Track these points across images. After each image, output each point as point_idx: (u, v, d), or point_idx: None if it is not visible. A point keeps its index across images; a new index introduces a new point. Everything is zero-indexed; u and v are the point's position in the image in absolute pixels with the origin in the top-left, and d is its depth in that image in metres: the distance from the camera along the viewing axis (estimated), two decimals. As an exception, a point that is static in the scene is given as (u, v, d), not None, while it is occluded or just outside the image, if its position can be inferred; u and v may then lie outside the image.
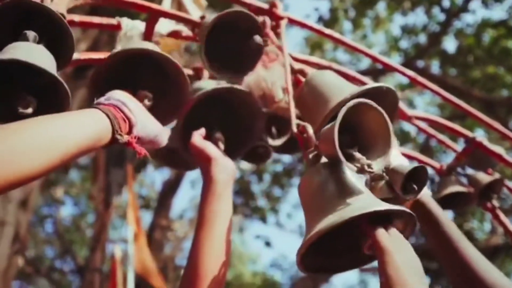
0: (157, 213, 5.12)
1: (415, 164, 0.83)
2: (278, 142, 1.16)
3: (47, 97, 0.66)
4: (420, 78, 1.48)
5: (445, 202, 1.39)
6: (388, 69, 1.50)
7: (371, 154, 0.72)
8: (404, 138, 6.43)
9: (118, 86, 0.83)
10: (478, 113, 1.52)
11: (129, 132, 0.73)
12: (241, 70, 0.99)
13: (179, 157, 1.15)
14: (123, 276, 2.71)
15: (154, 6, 1.01)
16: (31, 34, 0.69)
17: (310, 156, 0.79)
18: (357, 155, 0.70)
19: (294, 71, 1.08)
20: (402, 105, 1.31)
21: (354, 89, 0.89)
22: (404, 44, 6.84)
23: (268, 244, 6.67)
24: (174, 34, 1.15)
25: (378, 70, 6.90)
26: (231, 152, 1.07)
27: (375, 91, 0.88)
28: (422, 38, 6.64)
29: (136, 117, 0.74)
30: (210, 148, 0.93)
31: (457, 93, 6.14)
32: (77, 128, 0.62)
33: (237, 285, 7.66)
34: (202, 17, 1.05)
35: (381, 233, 0.65)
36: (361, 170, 0.69)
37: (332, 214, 0.66)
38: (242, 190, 6.85)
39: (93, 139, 0.64)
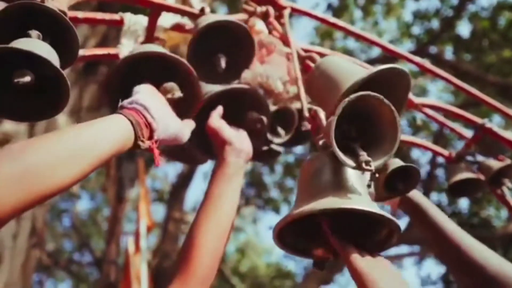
0: (170, 206, 5.17)
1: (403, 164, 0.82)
2: (283, 139, 1.15)
3: (48, 89, 0.67)
4: (428, 65, 1.46)
5: (455, 189, 1.37)
6: (395, 56, 1.48)
7: (375, 150, 0.71)
8: (417, 126, 6.35)
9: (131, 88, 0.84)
10: (489, 99, 1.49)
11: (150, 137, 0.74)
12: (228, 78, 0.99)
13: (186, 151, 1.16)
14: (136, 268, 2.76)
15: (155, 0, 1.02)
16: (34, 33, 0.70)
17: (321, 142, 0.79)
18: (359, 150, 0.69)
19: (301, 58, 1.07)
20: (409, 93, 1.29)
21: (366, 71, 0.87)
22: (416, 30, 6.72)
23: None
24: (178, 28, 1.16)
25: (389, 58, 6.79)
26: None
27: (387, 73, 0.86)
28: (435, 23, 6.51)
29: (158, 121, 0.74)
30: (226, 130, 0.93)
31: (472, 78, 6.03)
32: (103, 137, 0.63)
33: (252, 276, 7.73)
34: (202, 10, 1.05)
35: (348, 252, 0.65)
36: (359, 166, 0.68)
37: (312, 202, 0.67)
38: (254, 181, 6.87)
39: (117, 146, 0.66)
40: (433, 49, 6.56)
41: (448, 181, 1.37)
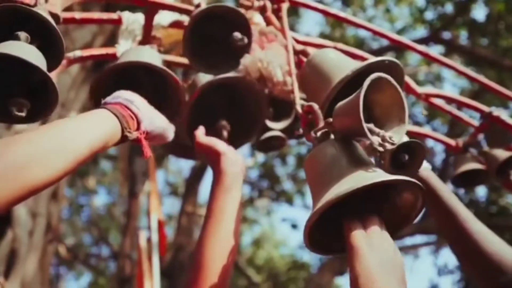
0: (184, 199, 5.23)
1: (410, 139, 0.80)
2: (280, 125, 1.15)
3: (37, 93, 0.69)
4: (432, 54, 1.43)
5: (461, 180, 1.35)
6: (400, 46, 1.45)
7: (388, 126, 0.70)
8: (432, 114, 6.24)
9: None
10: (497, 86, 1.45)
11: (138, 128, 0.75)
12: (225, 67, 0.99)
13: (187, 148, 1.17)
14: (148, 262, 2.81)
15: (151, -2, 1.02)
16: (22, 34, 0.71)
17: (319, 133, 0.78)
18: (376, 129, 0.68)
19: (296, 52, 1.06)
20: (412, 83, 1.27)
21: (356, 65, 0.87)
22: (429, 15, 6.56)
23: (294, 226, 6.71)
24: (176, 25, 1.16)
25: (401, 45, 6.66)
26: (238, 139, 1.08)
27: (378, 66, 0.86)
28: (449, 8, 6.34)
29: (143, 113, 0.76)
30: (218, 144, 0.93)
31: (488, 63, 5.87)
32: (87, 131, 0.64)
33: (267, 268, 7.78)
34: (197, 6, 1.05)
35: (352, 227, 0.63)
36: (382, 143, 0.67)
37: (342, 184, 0.65)
38: (267, 174, 6.88)
39: (103, 139, 0.66)
40: (447, 35, 6.42)
41: (454, 171, 1.35)
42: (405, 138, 0.78)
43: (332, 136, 0.74)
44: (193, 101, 1.02)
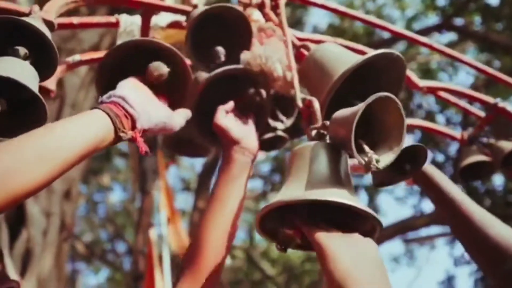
0: (197, 195, 5.26)
1: (409, 143, 0.80)
2: (285, 125, 1.15)
3: (27, 109, 0.70)
4: (436, 45, 1.41)
5: (467, 172, 1.33)
6: (402, 38, 1.43)
7: (380, 147, 0.70)
8: (444, 105, 6.13)
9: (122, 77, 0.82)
10: (504, 76, 1.42)
11: (133, 127, 0.73)
12: (227, 63, 0.99)
13: (191, 145, 1.18)
14: (159, 258, 2.87)
15: (146, 0, 1.03)
16: (22, 50, 0.72)
17: (314, 132, 0.78)
18: (366, 148, 0.68)
19: (297, 47, 1.06)
20: (413, 76, 1.25)
21: (358, 58, 0.86)
22: (441, 1, 6.42)
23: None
24: (175, 25, 1.17)
25: (413, 33, 6.54)
26: None
27: (381, 58, 0.84)
28: (461, -7, 6.20)
29: (138, 110, 0.73)
30: (234, 129, 0.91)
31: (502, 48, 5.72)
32: (78, 133, 0.63)
33: (282, 261, 7.81)
34: (195, 6, 1.05)
35: (315, 229, 0.62)
36: (367, 164, 0.67)
37: (300, 190, 0.67)
38: (279, 168, 6.88)
39: (95, 140, 0.65)
40: (459, 21, 6.28)
41: (460, 164, 1.33)
42: (409, 143, 0.77)
43: (327, 139, 0.75)
44: (198, 96, 1.00)
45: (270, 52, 0.97)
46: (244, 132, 0.92)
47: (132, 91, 0.75)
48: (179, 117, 0.84)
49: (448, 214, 0.89)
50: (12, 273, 2.16)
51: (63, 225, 2.66)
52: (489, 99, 1.32)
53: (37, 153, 0.58)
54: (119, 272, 7.33)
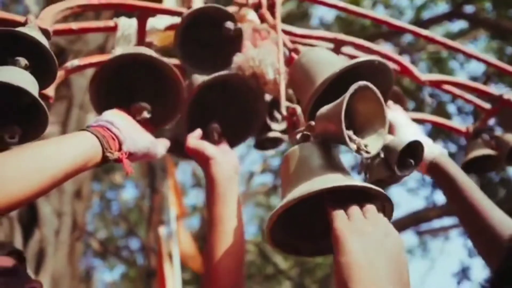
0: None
1: (410, 139, 0.81)
2: (280, 126, 1.15)
3: (28, 116, 0.72)
4: (438, 38, 1.39)
5: (472, 166, 1.32)
6: (403, 31, 1.41)
7: (366, 135, 0.71)
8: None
9: (116, 89, 0.88)
10: (509, 67, 1.39)
11: (119, 149, 0.76)
12: (218, 65, 0.99)
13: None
14: (169, 255, 2.91)
15: (141, 3, 1.03)
16: (23, 61, 0.73)
17: (299, 136, 0.79)
18: (353, 136, 0.69)
19: (289, 50, 1.05)
20: (415, 70, 1.24)
21: (342, 64, 0.86)
22: (451, -12, 6.30)
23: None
24: (173, 27, 1.17)
25: (422, 22, 6.45)
26: (236, 137, 1.09)
27: (365, 66, 0.84)
28: (472, -20, 6.07)
29: (124, 134, 0.77)
30: (207, 148, 0.92)
31: (515, 37, 5.59)
32: (66, 151, 0.66)
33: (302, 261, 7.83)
34: (189, 8, 1.05)
35: (335, 213, 0.59)
36: (357, 151, 0.68)
37: (304, 185, 0.67)
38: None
39: (82, 159, 0.68)
40: (470, 9, 6.16)
41: (465, 157, 1.32)
42: (411, 138, 0.78)
43: (311, 139, 0.75)
44: (190, 101, 1.02)
45: (263, 55, 0.97)
46: (218, 149, 0.93)
47: (118, 118, 0.79)
48: (161, 146, 0.88)
49: (457, 204, 0.90)
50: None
51: (75, 224, 2.71)
52: (494, 91, 1.30)
53: (29, 166, 0.60)
54: (133, 268, 7.45)
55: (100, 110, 0.86)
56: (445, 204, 6.25)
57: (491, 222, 0.83)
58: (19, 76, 0.69)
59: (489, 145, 1.32)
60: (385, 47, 1.05)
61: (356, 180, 0.68)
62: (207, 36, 1.00)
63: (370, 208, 0.61)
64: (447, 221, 6.51)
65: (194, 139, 0.94)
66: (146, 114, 0.86)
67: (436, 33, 6.77)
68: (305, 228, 0.72)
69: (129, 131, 0.79)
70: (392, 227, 0.60)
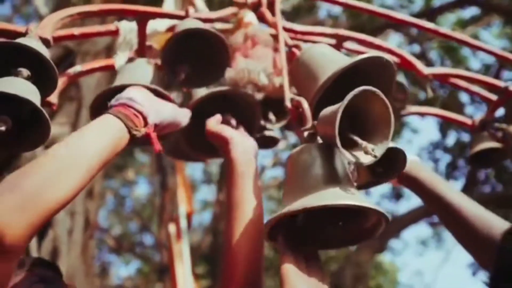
0: (219, 187, 5.33)
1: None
2: (278, 125, 1.15)
3: (31, 124, 0.74)
4: (443, 30, 1.37)
5: (478, 159, 1.30)
6: (406, 24, 1.40)
7: (372, 138, 0.70)
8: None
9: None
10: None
11: (145, 124, 0.76)
12: (208, 80, 1.00)
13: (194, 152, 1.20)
14: (179, 251, 2.94)
15: (140, 8, 1.04)
16: (25, 72, 0.75)
17: (306, 134, 0.79)
18: (359, 140, 0.69)
19: (288, 47, 1.05)
20: (418, 63, 1.22)
21: (345, 61, 0.85)
22: (463, -25, 6.17)
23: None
24: (174, 29, 1.18)
25: (433, 10, 6.34)
26: None
27: (368, 62, 0.84)
28: (482, -35, 5.94)
29: (147, 107, 0.77)
30: (225, 130, 0.91)
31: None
32: (94, 142, 0.67)
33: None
34: (187, 11, 1.06)
35: (285, 258, 0.64)
36: (365, 155, 0.67)
37: (304, 198, 0.67)
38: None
39: (112, 145, 0.69)
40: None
41: (471, 151, 1.30)
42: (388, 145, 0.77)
43: (319, 139, 0.75)
44: (192, 111, 1.02)
45: (253, 64, 0.98)
46: (237, 132, 0.93)
47: (138, 92, 0.79)
48: (184, 115, 0.88)
49: (435, 208, 0.89)
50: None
51: (88, 223, 2.76)
52: (500, 83, 1.28)
53: (65, 166, 0.62)
54: (147, 264, 7.56)
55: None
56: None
57: (472, 221, 0.81)
58: (22, 86, 0.71)
59: (495, 138, 1.30)
60: (387, 42, 1.04)
61: (354, 195, 0.67)
62: (196, 51, 1.00)
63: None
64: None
65: (214, 123, 0.94)
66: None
67: (448, 20, 6.65)
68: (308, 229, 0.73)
69: (151, 103, 0.79)
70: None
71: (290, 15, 5.95)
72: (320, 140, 0.76)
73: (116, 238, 7.73)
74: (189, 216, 3.07)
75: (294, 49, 1.03)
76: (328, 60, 0.89)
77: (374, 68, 0.83)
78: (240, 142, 0.89)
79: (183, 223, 2.99)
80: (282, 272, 0.62)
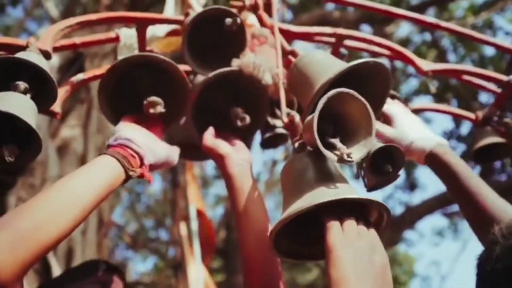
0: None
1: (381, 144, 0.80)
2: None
3: (24, 139, 0.76)
4: (443, 24, 1.35)
5: (482, 154, 1.29)
6: (407, 20, 1.39)
7: (353, 142, 0.72)
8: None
9: (125, 93, 0.90)
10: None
11: (141, 164, 0.80)
12: (225, 63, 0.99)
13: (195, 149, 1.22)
14: (190, 249, 2.99)
15: (139, 15, 1.06)
16: (22, 85, 0.78)
17: (296, 144, 0.81)
18: (338, 144, 0.70)
19: (285, 53, 1.06)
20: (417, 60, 1.22)
21: (339, 68, 0.86)
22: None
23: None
24: (174, 33, 1.19)
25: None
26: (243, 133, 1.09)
27: (362, 66, 0.84)
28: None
29: (144, 148, 0.81)
30: (220, 146, 0.94)
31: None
32: (92, 182, 0.70)
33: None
34: (186, 14, 1.07)
35: (330, 225, 0.63)
36: (340, 159, 0.69)
37: (300, 200, 0.68)
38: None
39: (108, 184, 0.73)
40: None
41: (474, 146, 1.29)
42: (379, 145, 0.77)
43: (307, 148, 0.76)
44: (195, 100, 1.03)
45: (261, 61, 0.98)
46: (231, 146, 0.95)
47: (135, 132, 0.83)
48: (175, 152, 0.92)
49: (456, 195, 0.89)
50: (57, 270, 2.34)
51: (101, 222, 2.82)
52: (502, 76, 1.26)
53: (61, 205, 0.65)
54: (162, 260, 7.67)
55: (111, 114, 0.89)
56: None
57: (492, 212, 0.82)
58: (18, 103, 0.73)
59: (499, 132, 1.29)
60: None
61: (352, 190, 0.68)
62: (213, 38, 1.01)
63: (362, 222, 0.65)
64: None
65: (210, 138, 0.96)
66: (160, 108, 0.87)
67: (460, 6, 6.49)
68: (306, 234, 0.74)
69: (148, 143, 0.82)
70: (380, 244, 0.63)
71: (297, 8, 5.90)
72: (310, 148, 0.78)
73: (132, 234, 7.85)
74: (200, 214, 3.11)
75: (290, 56, 1.04)
76: (323, 67, 0.90)
77: (368, 70, 0.84)
78: (235, 157, 0.92)
79: (194, 221, 3.04)
80: (328, 244, 0.62)
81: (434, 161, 0.92)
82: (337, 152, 0.69)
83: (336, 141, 0.70)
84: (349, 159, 0.68)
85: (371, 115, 0.70)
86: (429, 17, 1.35)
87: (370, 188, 0.79)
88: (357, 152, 0.69)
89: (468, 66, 1.34)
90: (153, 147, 0.84)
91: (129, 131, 0.82)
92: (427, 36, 6.70)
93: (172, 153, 0.91)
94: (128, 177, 0.77)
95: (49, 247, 0.63)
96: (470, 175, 0.88)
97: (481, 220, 0.84)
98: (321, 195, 0.67)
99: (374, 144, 0.73)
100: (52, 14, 5.02)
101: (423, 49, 6.58)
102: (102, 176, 0.72)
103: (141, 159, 0.80)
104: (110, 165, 0.75)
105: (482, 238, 0.85)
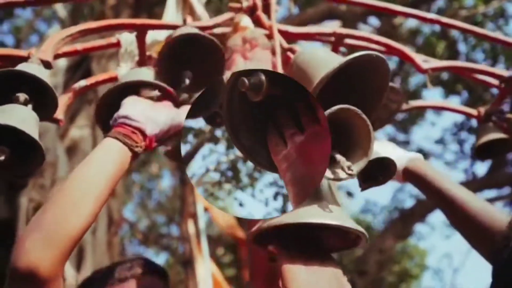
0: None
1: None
2: None
3: (26, 148, 0.78)
4: (445, 20, 1.35)
5: (484, 150, 1.29)
6: (409, 17, 1.38)
7: (352, 155, 0.72)
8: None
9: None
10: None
11: (145, 138, 0.80)
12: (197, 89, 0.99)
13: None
14: (198, 246, 3.03)
15: (138, 21, 1.08)
16: (22, 96, 0.80)
17: None
18: (338, 157, 0.70)
19: (284, 50, 1.07)
20: (417, 58, 1.21)
21: (338, 61, 0.85)
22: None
23: (350, 194, 6.67)
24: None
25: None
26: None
27: (360, 60, 0.84)
28: None
29: (143, 121, 0.80)
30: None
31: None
32: (100, 169, 0.72)
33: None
34: (185, 21, 1.08)
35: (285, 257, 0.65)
36: (343, 172, 0.69)
37: (285, 214, 0.69)
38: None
39: (117, 167, 0.74)
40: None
41: (477, 142, 1.29)
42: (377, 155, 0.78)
43: None
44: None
45: (252, 66, 0.99)
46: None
47: (132, 106, 0.82)
48: (182, 113, 0.89)
49: (438, 202, 0.90)
50: (69, 268, 2.39)
51: (111, 221, 2.87)
52: (503, 72, 1.25)
53: (73, 201, 0.67)
54: (172, 256, 7.75)
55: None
56: (485, 176, 6.01)
57: (474, 213, 0.83)
58: (20, 115, 0.76)
59: (502, 128, 1.28)
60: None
61: (332, 213, 0.68)
62: (191, 58, 1.00)
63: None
64: (488, 193, 6.29)
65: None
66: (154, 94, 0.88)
67: (468, -3, 6.38)
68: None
69: (146, 113, 0.81)
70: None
71: (303, 3, 5.86)
72: None
73: (143, 231, 7.95)
74: (208, 210, 3.15)
75: (289, 53, 1.05)
76: (321, 62, 0.89)
77: (367, 64, 0.83)
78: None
79: (202, 219, 3.07)
80: (282, 269, 0.64)
81: (412, 176, 0.93)
82: (338, 166, 0.69)
83: (335, 154, 0.70)
84: (350, 172, 0.67)
85: (370, 129, 0.70)
86: (429, 13, 1.34)
87: (363, 189, 0.80)
88: (358, 163, 0.69)
89: (468, 63, 1.34)
90: (152, 115, 0.82)
91: (126, 107, 0.82)
92: (437, 27, 6.61)
93: (177, 115, 0.88)
94: (135, 154, 0.77)
95: (77, 237, 0.66)
96: (448, 183, 0.89)
97: (466, 223, 0.85)
98: (303, 214, 0.67)
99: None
100: (60, 15, 5.07)
101: (432, 40, 6.49)
102: (109, 160, 0.74)
103: (143, 133, 0.79)
104: (115, 147, 0.76)
105: (472, 240, 0.85)
